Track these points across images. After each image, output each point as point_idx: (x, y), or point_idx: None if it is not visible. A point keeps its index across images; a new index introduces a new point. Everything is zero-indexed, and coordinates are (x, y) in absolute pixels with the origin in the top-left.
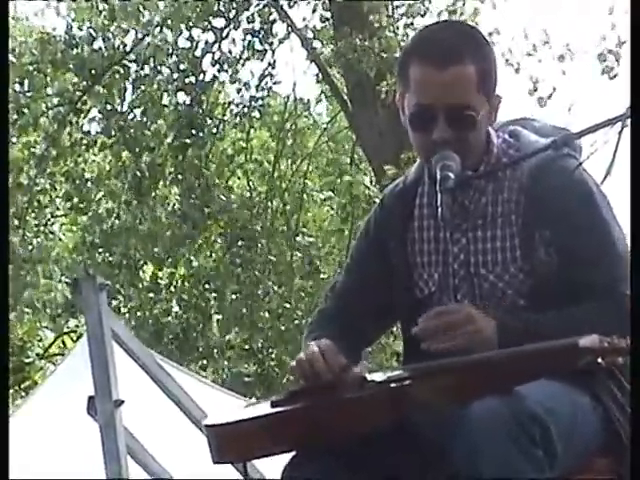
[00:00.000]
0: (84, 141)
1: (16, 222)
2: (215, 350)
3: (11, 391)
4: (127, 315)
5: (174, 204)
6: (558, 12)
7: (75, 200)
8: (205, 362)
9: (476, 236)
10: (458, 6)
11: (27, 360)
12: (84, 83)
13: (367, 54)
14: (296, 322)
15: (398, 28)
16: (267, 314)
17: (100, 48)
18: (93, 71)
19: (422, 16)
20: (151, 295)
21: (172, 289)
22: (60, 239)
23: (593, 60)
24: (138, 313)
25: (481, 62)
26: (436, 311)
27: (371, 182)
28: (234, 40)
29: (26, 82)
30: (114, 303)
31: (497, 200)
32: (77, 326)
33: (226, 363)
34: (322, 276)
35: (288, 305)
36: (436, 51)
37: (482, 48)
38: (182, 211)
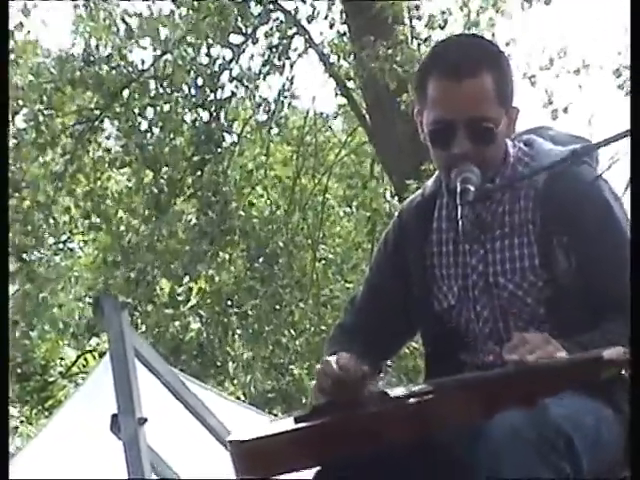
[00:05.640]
0: (104, 159)
1: (34, 241)
2: (236, 366)
3: (35, 411)
4: (145, 331)
5: (191, 220)
6: (575, 26)
7: (94, 218)
8: (225, 378)
9: (494, 246)
10: (478, 18)
11: (50, 379)
12: (102, 101)
13: (389, 63)
14: (318, 338)
15: (420, 40)
16: (290, 330)
17: (118, 66)
18: (111, 89)
19: (442, 28)
20: (169, 311)
21: (191, 305)
22: (80, 257)
23: (609, 75)
24: (156, 329)
25: (498, 74)
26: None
27: (392, 195)
28: (252, 56)
29: (45, 101)
30: (131, 319)
31: (514, 209)
32: (98, 344)
33: (248, 379)
34: (347, 286)
35: (310, 321)
36: (453, 65)
37: (498, 60)
38: (200, 227)
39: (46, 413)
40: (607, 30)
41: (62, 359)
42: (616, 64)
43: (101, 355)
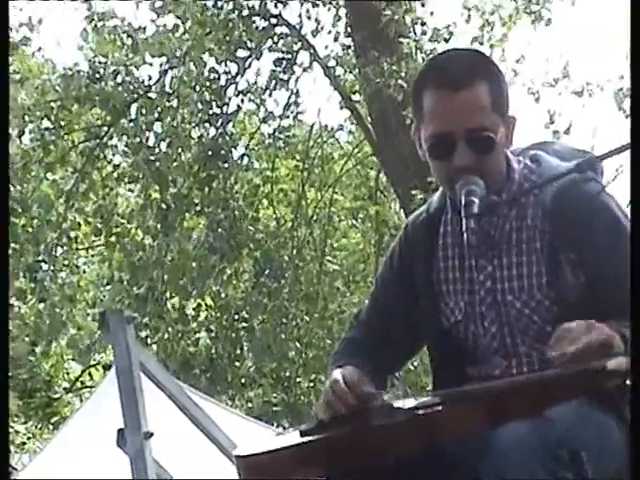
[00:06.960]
0: (113, 175)
1: (45, 257)
2: (244, 380)
3: (40, 426)
4: (155, 347)
5: (200, 235)
6: (578, 47)
7: (103, 234)
8: (234, 392)
9: (501, 263)
10: (490, 32)
11: (55, 395)
12: (109, 118)
13: (394, 78)
14: (324, 351)
15: (425, 53)
16: (296, 343)
17: (124, 82)
18: (118, 105)
19: (447, 42)
20: (179, 327)
21: (200, 320)
22: (84, 271)
23: (610, 97)
24: (166, 345)
25: (492, 82)
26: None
27: (398, 207)
28: (258, 70)
29: (52, 119)
30: (142, 335)
31: (521, 226)
32: (102, 357)
33: (255, 393)
34: (354, 300)
35: (316, 334)
36: (447, 76)
37: (491, 69)
38: (208, 242)
39: (51, 427)
40: (610, 54)
41: (67, 373)
42: (618, 87)
43: (105, 368)
